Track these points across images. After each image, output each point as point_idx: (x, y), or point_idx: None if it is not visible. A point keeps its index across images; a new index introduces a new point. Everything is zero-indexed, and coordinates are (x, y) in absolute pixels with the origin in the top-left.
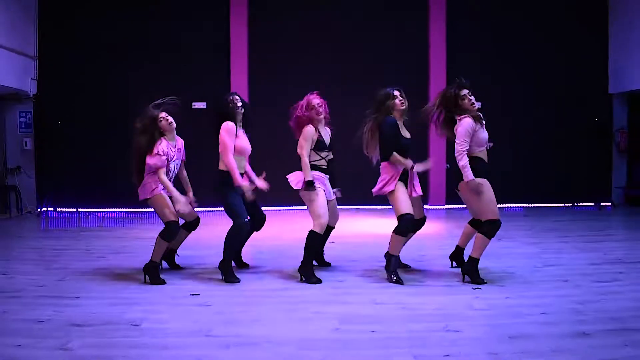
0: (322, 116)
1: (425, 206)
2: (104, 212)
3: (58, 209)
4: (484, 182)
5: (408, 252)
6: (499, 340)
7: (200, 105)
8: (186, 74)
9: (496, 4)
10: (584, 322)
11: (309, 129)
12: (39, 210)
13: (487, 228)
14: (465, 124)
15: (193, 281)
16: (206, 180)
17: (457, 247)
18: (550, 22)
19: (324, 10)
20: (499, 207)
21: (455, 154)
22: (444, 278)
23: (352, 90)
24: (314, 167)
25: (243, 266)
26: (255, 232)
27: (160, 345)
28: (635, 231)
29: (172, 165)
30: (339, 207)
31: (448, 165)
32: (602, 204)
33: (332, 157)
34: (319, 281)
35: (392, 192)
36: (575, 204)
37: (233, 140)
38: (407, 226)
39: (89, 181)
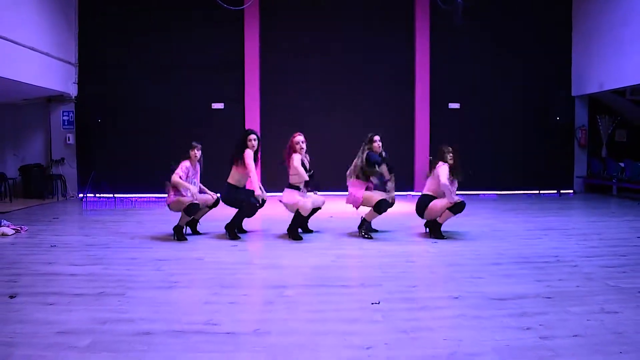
0: (304, 150)
1: (411, 192)
2: (136, 197)
3: (97, 195)
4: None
5: (390, 225)
6: (439, 266)
7: (218, 105)
8: (207, 80)
9: (473, 21)
10: (501, 259)
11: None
12: (80, 195)
13: (456, 208)
14: (445, 169)
15: (229, 240)
16: (222, 168)
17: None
18: (522, 34)
19: (326, 30)
20: (475, 193)
21: (446, 192)
22: (413, 237)
23: (353, 94)
24: (295, 187)
25: (244, 232)
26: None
27: (221, 267)
28: (579, 210)
29: (188, 181)
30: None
31: (431, 157)
32: (563, 191)
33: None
34: (300, 238)
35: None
36: (541, 192)
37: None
38: (386, 206)
39: (122, 171)
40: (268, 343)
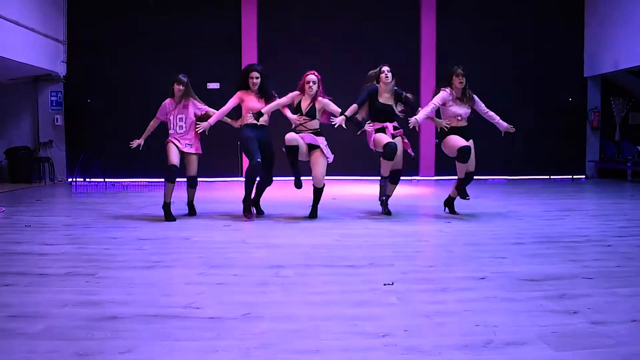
0: (312, 92)
1: (416, 177)
2: (128, 181)
3: (86, 179)
4: (448, 136)
5: (399, 208)
6: (455, 245)
7: (214, 85)
8: (202, 58)
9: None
10: (522, 238)
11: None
12: (69, 179)
13: (458, 156)
14: (440, 93)
15: (220, 219)
16: (219, 152)
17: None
18: (531, 11)
19: (328, 8)
20: (484, 179)
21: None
22: (425, 217)
23: (351, 77)
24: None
25: (261, 213)
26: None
27: (211, 247)
28: (595, 194)
29: (171, 118)
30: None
31: (437, 140)
32: (575, 176)
33: (316, 126)
34: (300, 185)
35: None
36: (552, 176)
37: (234, 99)
38: (392, 150)
39: (113, 154)
40: (259, 329)
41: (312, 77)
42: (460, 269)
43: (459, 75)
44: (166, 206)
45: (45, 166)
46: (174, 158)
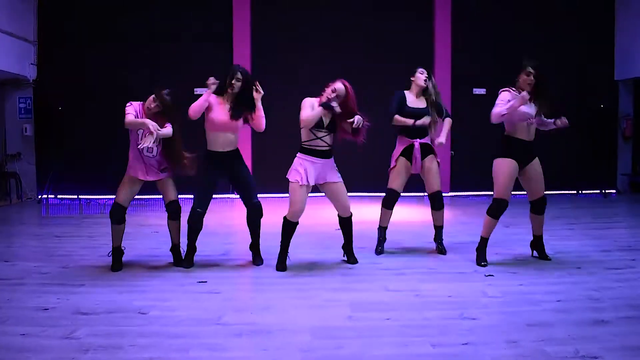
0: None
1: (427, 194)
2: (105, 199)
3: (59, 196)
4: (504, 161)
5: (415, 240)
6: (514, 328)
7: (203, 91)
8: (189, 60)
9: None
10: (601, 310)
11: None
12: (39, 197)
13: (492, 207)
14: (503, 95)
15: (199, 268)
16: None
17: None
18: (557, 9)
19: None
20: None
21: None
22: (455, 265)
23: (355, 78)
24: (307, 150)
25: (260, 262)
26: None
27: (171, 334)
28: None
29: (139, 132)
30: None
31: (452, 152)
32: (606, 191)
33: (331, 142)
34: (283, 269)
35: (392, 168)
36: (580, 192)
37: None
38: (388, 199)
39: (90, 168)
40: None
41: (340, 86)
42: None
43: (529, 75)
44: (115, 252)
45: (12, 182)
46: (123, 195)
